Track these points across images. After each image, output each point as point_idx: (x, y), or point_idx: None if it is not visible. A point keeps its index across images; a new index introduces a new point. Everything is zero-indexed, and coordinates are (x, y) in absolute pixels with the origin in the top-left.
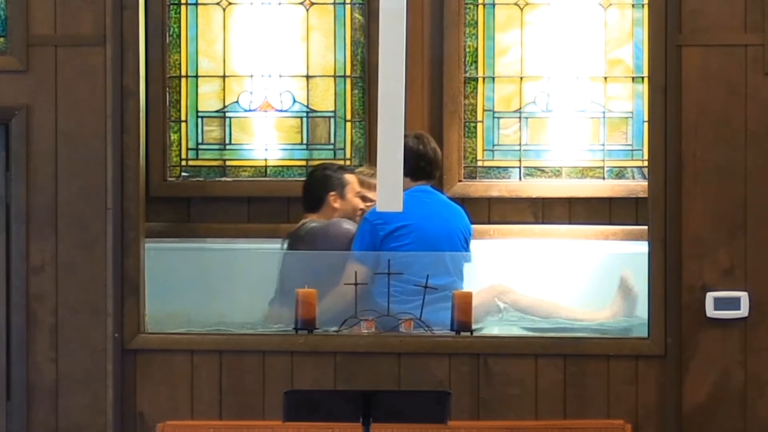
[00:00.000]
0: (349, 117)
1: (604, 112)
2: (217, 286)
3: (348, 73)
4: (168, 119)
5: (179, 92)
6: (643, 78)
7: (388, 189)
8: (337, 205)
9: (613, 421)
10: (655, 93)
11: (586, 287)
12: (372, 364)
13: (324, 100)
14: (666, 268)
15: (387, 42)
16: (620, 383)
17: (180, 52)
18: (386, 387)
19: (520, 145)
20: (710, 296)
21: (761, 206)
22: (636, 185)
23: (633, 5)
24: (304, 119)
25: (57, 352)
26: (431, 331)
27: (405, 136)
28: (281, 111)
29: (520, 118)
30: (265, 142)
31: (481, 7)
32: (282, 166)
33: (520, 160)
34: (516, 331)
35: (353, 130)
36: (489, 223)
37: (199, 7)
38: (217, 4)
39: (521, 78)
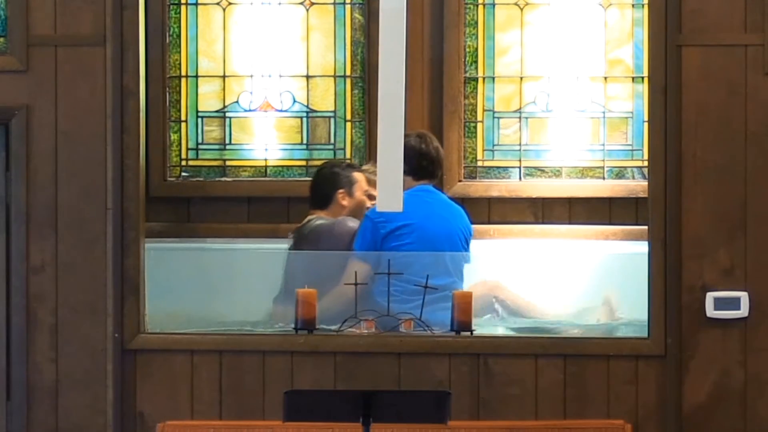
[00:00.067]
0: (349, 117)
1: (604, 112)
2: (217, 286)
3: (348, 73)
4: (168, 119)
5: (179, 92)
6: (643, 78)
7: (388, 189)
8: (345, 202)
9: (613, 421)
10: (655, 93)
11: (586, 287)
12: (372, 364)
13: (324, 100)
14: (666, 268)
15: (387, 42)
16: (620, 383)
17: (180, 52)
18: (386, 387)
19: (520, 145)
20: (710, 296)
21: (761, 206)
22: (636, 185)
23: (633, 5)
24: (304, 119)
25: (57, 352)
26: (431, 331)
27: (407, 135)
28: (281, 111)
29: (520, 118)
30: (265, 142)
31: (481, 7)
32: (282, 166)
33: (520, 160)
34: (502, 331)
35: (353, 130)
36: (489, 223)
37: (199, 7)
38: (217, 4)
39: (521, 78)
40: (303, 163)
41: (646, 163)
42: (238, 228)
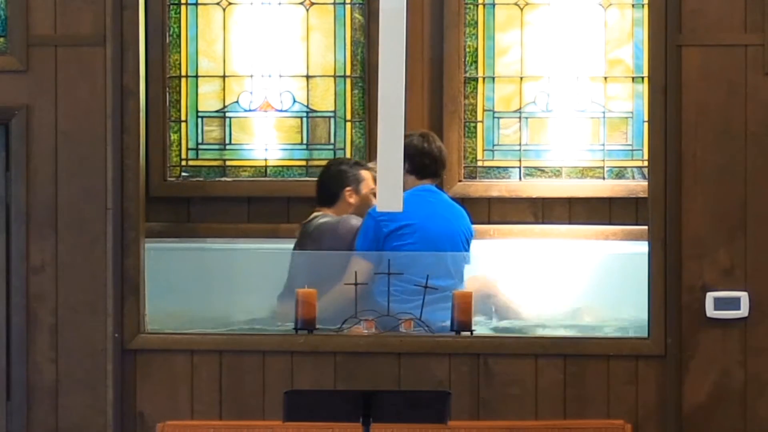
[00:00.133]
0: (349, 117)
1: (604, 112)
2: (218, 286)
3: (348, 73)
4: (168, 119)
5: (179, 92)
6: (643, 78)
7: (388, 189)
8: (352, 200)
9: (613, 421)
10: (655, 93)
11: (585, 287)
12: (372, 364)
13: (324, 100)
14: (666, 268)
15: (387, 42)
16: (620, 383)
17: (180, 52)
18: (386, 387)
19: (520, 145)
20: (710, 296)
21: (761, 206)
22: (636, 185)
23: (633, 5)
24: (304, 119)
25: (57, 352)
26: (431, 331)
27: (410, 134)
28: (281, 111)
29: (520, 118)
30: (265, 142)
31: (481, 7)
32: (282, 166)
33: (520, 160)
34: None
35: (353, 130)
36: (489, 223)
37: (199, 7)
38: (217, 4)
39: (521, 78)
40: (303, 163)
41: (646, 163)
42: (238, 228)
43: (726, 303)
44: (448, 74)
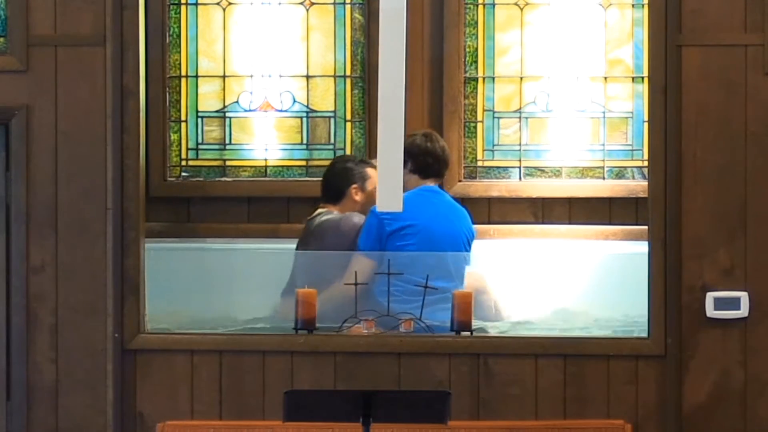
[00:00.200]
0: (349, 117)
1: (604, 112)
2: (217, 286)
3: (348, 73)
4: (168, 119)
5: (179, 92)
6: (643, 78)
7: (388, 189)
8: (358, 198)
9: (613, 421)
10: (655, 93)
11: (585, 287)
12: (372, 364)
13: (324, 100)
14: (666, 268)
15: (387, 42)
16: (620, 383)
17: (180, 52)
18: (386, 387)
19: (520, 145)
20: (710, 296)
21: (761, 206)
22: (636, 185)
23: (633, 5)
24: (304, 119)
25: (57, 352)
26: (431, 331)
27: (413, 134)
28: (281, 111)
29: (520, 118)
30: (265, 142)
31: (481, 7)
32: (282, 166)
33: (520, 160)
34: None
35: (353, 130)
36: (489, 223)
37: (199, 7)
38: (217, 4)
39: (521, 78)
40: (303, 163)
41: (646, 163)
42: (238, 228)
43: (726, 303)
44: (448, 74)
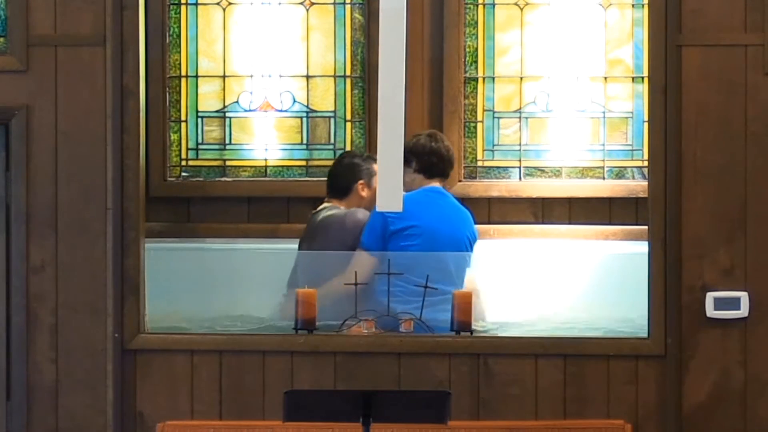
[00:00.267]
0: (349, 117)
1: (604, 112)
2: (217, 286)
3: (348, 73)
4: (168, 119)
5: (179, 92)
6: (643, 78)
7: (387, 189)
8: (364, 194)
9: (613, 421)
10: (655, 93)
11: (585, 287)
12: (372, 364)
13: (324, 100)
14: (666, 268)
15: (387, 42)
16: (620, 383)
17: (180, 52)
18: (386, 387)
19: (520, 145)
20: (710, 296)
21: (761, 206)
22: (636, 185)
23: (633, 5)
24: (304, 119)
25: (57, 352)
26: (431, 331)
27: (418, 134)
28: (281, 111)
29: (520, 118)
30: (265, 142)
31: (481, 7)
32: (282, 166)
33: (520, 160)
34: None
35: (353, 130)
36: (489, 223)
37: (199, 7)
38: (217, 4)
39: (521, 78)
40: (303, 163)
41: (646, 163)
42: (238, 228)
43: (726, 303)
44: (448, 74)
